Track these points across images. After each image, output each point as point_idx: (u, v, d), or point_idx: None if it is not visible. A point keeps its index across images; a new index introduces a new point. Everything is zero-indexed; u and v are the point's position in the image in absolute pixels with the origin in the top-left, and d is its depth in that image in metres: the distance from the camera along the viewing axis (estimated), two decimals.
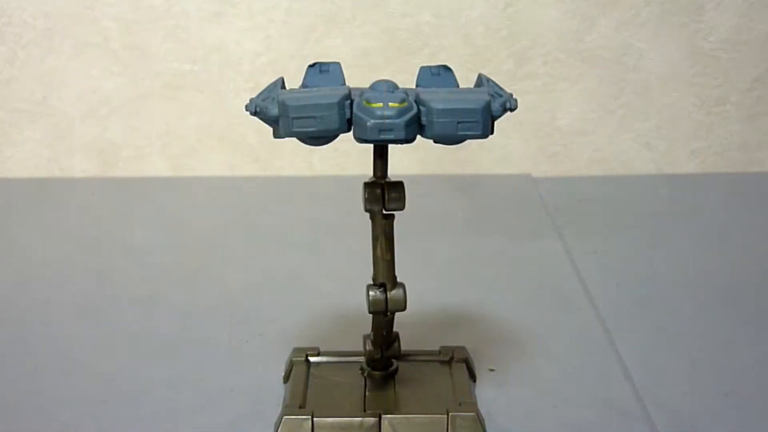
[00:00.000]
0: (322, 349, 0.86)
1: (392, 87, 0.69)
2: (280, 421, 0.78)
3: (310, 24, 1.26)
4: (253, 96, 0.71)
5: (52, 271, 1.07)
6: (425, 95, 0.69)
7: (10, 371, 0.88)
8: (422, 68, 0.74)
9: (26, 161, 1.31)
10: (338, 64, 0.74)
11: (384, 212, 0.76)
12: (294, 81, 0.73)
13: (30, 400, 0.84)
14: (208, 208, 1.24)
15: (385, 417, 0.78)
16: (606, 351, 0.91)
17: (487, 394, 0.84)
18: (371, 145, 0.73)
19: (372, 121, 0.67)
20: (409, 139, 0.68)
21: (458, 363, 0.85)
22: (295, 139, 0.69)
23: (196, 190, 1.28)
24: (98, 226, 1.18)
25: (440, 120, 0.68)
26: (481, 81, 0.73)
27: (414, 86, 0.73)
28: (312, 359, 0.86)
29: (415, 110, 0.68)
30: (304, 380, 0.83)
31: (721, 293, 1.01)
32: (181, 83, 1.28)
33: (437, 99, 0.68)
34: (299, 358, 0.85)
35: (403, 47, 1.27)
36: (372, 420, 0.78)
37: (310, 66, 0.73)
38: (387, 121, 0.67)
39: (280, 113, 0.68)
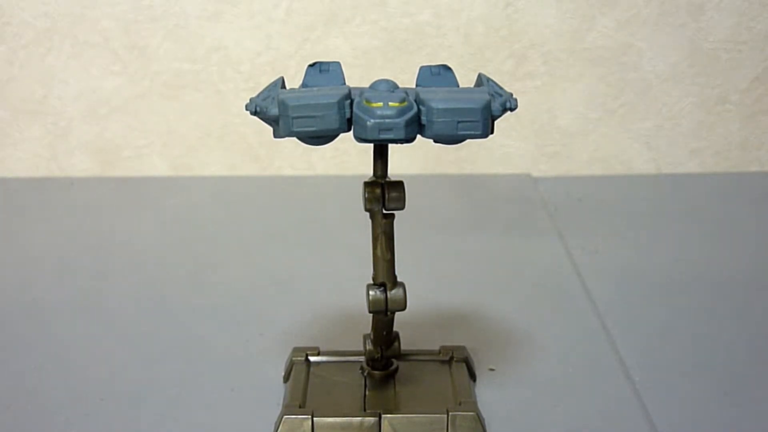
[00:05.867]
0: (322, 349, 0.86)
1: (392, 86, 0.69)
2: (280, 421, 0.78)
3: (310, 24, 1.26)
4: (253, 96, 0.71)
5: (52, 271, 1.07)
6: (425, 95, 0.69)
7: (9, 371, 0.88)
8: (422, 68, 0.74)
9: (26, 161, 1.31)
10: (338, 63, 0.74)
11: (384, 212, 0.76)
12: (294, 81, 0.73)
13: (29, 400, 0.84)
14: (208, 208, 1.24)
15: (385, 416, 0.78)
16: (606, 351, 0.91)
17: (487, 394, 0.84)
18: (371, 145, 0.73)
19: (372, 120, 0.67)
20: (409, 139, 0.68)
21: (458, 363, 0.85)
22: (295, 138, 0.69)
23: (196, 190, 1.28)
24: (98, 226, 1.18)
25: (440, 120, 0.68)
26: (481, 80, 0.73)
27: (414, 86, 0.73)
28: (312, 359, 0.86)
29: (415, 110, 0.68)
30: (304, 380, 0.83)
31: (721, 293, 1.01)
32: (181, 83, 1.28)
33: (437, 98, 0.68)
34: (299, 358, 0.85)
35: (403, 47, 1.27)
36: (372, 419, 0.78)
37: (310, 66, 0.73)
38: (387, 120, 0.67)
39: (280, 113, 0.68)
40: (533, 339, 0.93)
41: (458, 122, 0.68)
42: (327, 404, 0.79)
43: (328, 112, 0.68)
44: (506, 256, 1.10)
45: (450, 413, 0.78)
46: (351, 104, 0.68)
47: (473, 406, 0.79)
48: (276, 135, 0.71)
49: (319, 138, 0.70)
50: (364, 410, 0.79)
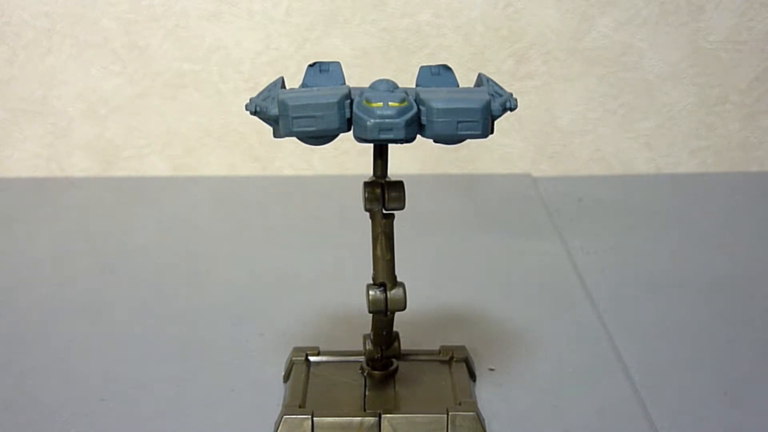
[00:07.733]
0: (322, 349, 0.86)
1: (392, 86, 0.69)
2: (280, 421, 0.78)
3: (310, 24, 1.26)
4: (253, 96, 0.71)
5: (52, 270, 1.07)
6: (425, 95, 0.69)
7: (9, 371, 0.88)
8: (422, 68, 0.74)
9: (26, 161, 1.31)
10: (338, 63, 0.74)
11: (384, 212, 0.76)
12: (294, 81, 0.73)
13: (29, 400, 0.84)
14: (208, 208, 1.24)
15: (385, 416, 0.78)
16: (606, 351, 0.91)
17: (487, 394, 0.84)
18: (371, 145, 0.73)
19: (372, 120, 0.67)
20: (409, 139, 0.68)
21: (458, 362, 0.85)
22: (295, 138, 0.69)
23: (196, 190, 1.28)
24: (98, 226, 1.18)
25: (440, 119, 0.68)
26: (481, 80, 0.73)
27: (414, 86, 0.73)
28: (312, 359, 0.86)
29: (415, 110, 0.68)
30: (304, 380, 0.83)
31: (721, 293, 1.01)
32: (181, 83, 1.28)
33: (437, 98, 0.68)
34: (299, 358, 0.85)
35: (403, 47, 1.27)
36: (372, 419, 0.78)
37: (310, 65, 0.73)
38: (387, 120, 0.67)
39: (280, 113, 0.68)
40: (533, 339, 0.93)
41: (458, 122, 0.68)
42: (327, 404, 0.79)
43: (328, 112, 0.68)
44: (506, 256, 1.10)
45: (450, 413, 0.78)
46: (351, 104, 0.68)
47: (473, 406, 0.79)
48: (276, 135, 0.71)
49: (319, 138, 0.70)
50: (364, 410, 0.79)
